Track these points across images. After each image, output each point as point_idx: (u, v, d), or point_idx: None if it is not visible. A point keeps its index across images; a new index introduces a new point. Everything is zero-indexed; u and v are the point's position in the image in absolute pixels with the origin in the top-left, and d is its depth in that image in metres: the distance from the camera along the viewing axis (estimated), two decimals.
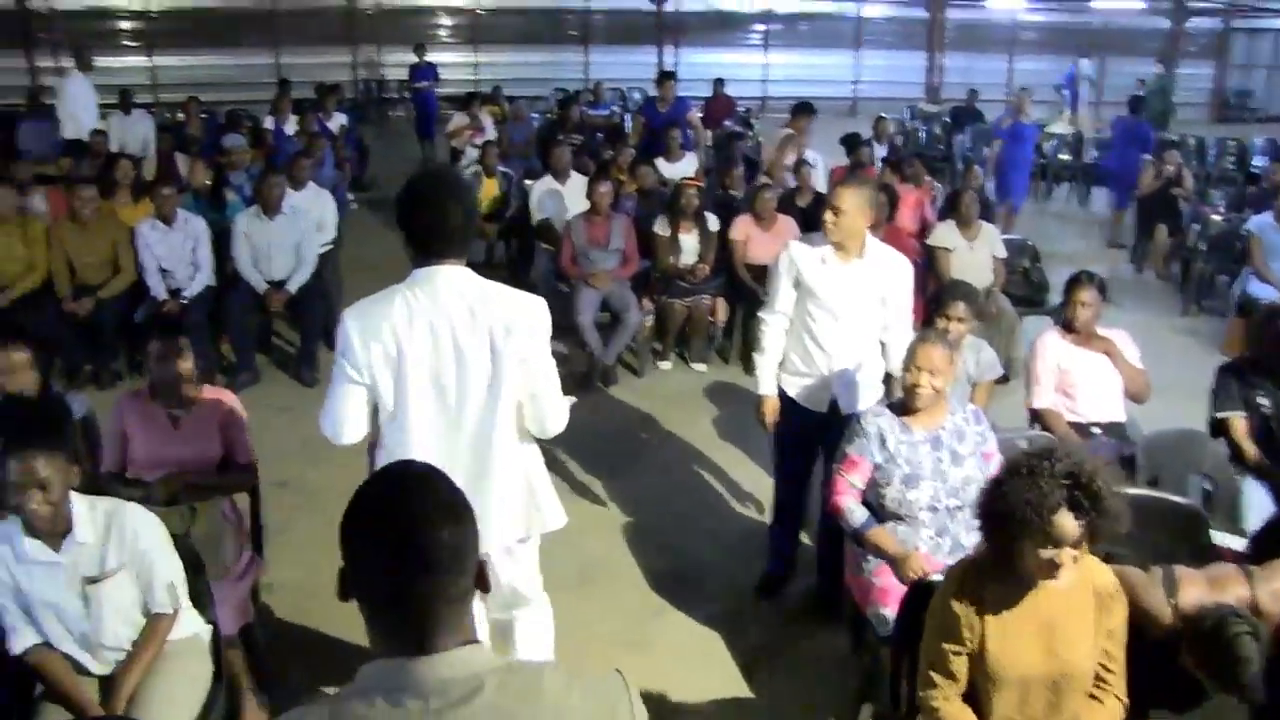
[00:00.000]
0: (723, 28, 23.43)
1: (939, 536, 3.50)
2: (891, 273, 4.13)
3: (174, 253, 6.86)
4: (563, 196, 8.08)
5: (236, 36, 19.50)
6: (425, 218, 2.70)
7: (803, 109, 9.43)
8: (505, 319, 2.71)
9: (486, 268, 9.25)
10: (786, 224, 7.44)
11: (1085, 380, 4.74)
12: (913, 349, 3.52)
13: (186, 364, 3.83)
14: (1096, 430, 4.71)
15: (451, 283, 2.71)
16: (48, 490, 2.73)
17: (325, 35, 19.71)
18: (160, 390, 3.86)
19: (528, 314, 2.77)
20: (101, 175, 7.86)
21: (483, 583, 1.50)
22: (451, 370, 2.71)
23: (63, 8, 18.78)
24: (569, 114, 12.73)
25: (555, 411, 2.87)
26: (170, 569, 3.01)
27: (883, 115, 11.70)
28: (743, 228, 7.40)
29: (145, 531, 2.96)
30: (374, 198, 12.76)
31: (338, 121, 12.29)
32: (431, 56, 15.81)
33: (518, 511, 2.93)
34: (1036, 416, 4.82)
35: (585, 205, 7.26)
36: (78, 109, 10.69)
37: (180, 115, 12.44)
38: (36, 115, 12.06)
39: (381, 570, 1.42)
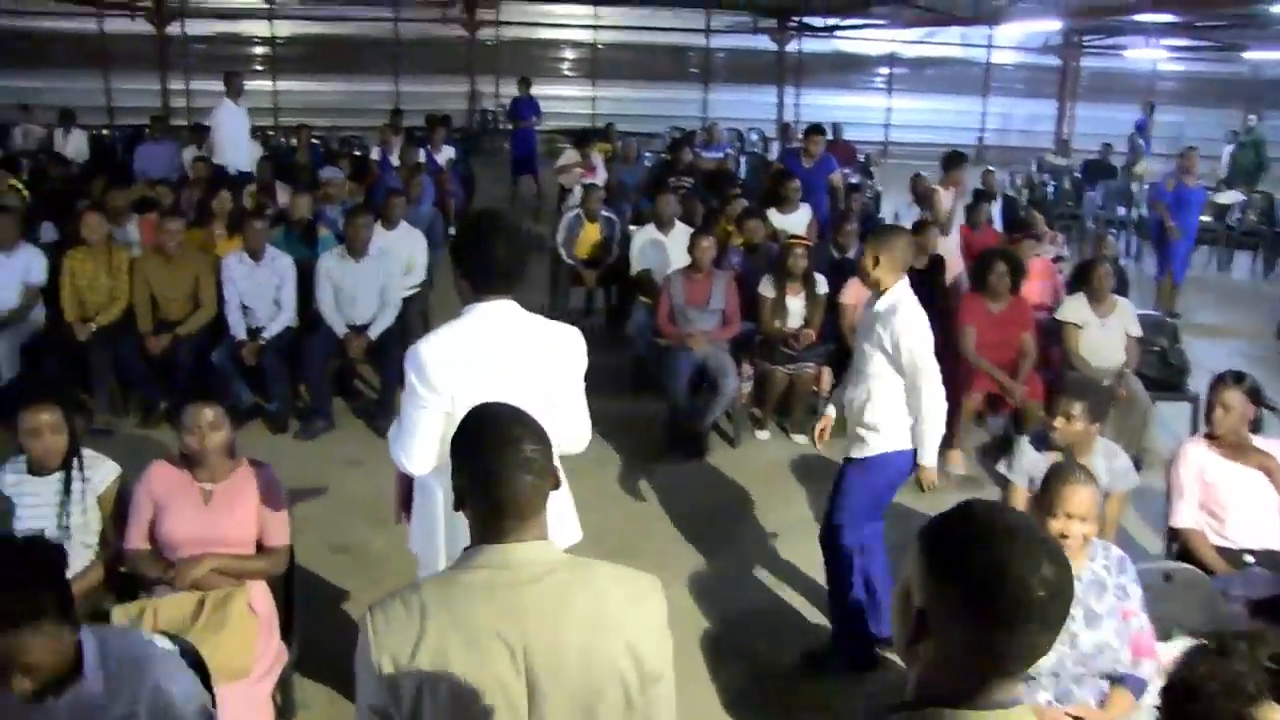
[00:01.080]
0: (845, 69, 22.85)
1: (1058, 702, 2.96)
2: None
3: (258, 290, 6.64)
4: (665, 248, 7.65)
5: (359, 64, 19.68)
6: (476, 257, 2.88)
7: (955, 159, 8.86)
8: (551, 349, 2.93)
9: (585, 316, 8.99)
10: None
11: (1236, 499, 4.10)
12: (1055, 491, 2.98)
13: (220, 434, 3.48)
14: (1250, 559, 4.05)
15: (503, 317, 2.89)
16: (33, 672, 2.12)
17: (445, 65, 19.77)
18: (192, 460, 3.52)
19: (569, 345, 2.98)
20: (200, 204, 7.72)
21: (555, 482, 1.92)
22: (503, 391, 2.67)
23: (194, 32, 19.22)
24: (679, 156, 12.25)
25: (581, 435, 3.07)
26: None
27: (990, 168, 11.02)
28: (855, 291, 6.87)
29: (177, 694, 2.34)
30: None
31: (446, 155, 12.11)
32: (550, 89, 15.66)
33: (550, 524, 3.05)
34: (1176, 536, 4.20)
35: (688, 259, 6.80)
36: (228, 137, 10.45)
37: (293, 141, 12.40)
38: (158, 138, 12.15)
39: (488, 472, 1.82)
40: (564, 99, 19.61)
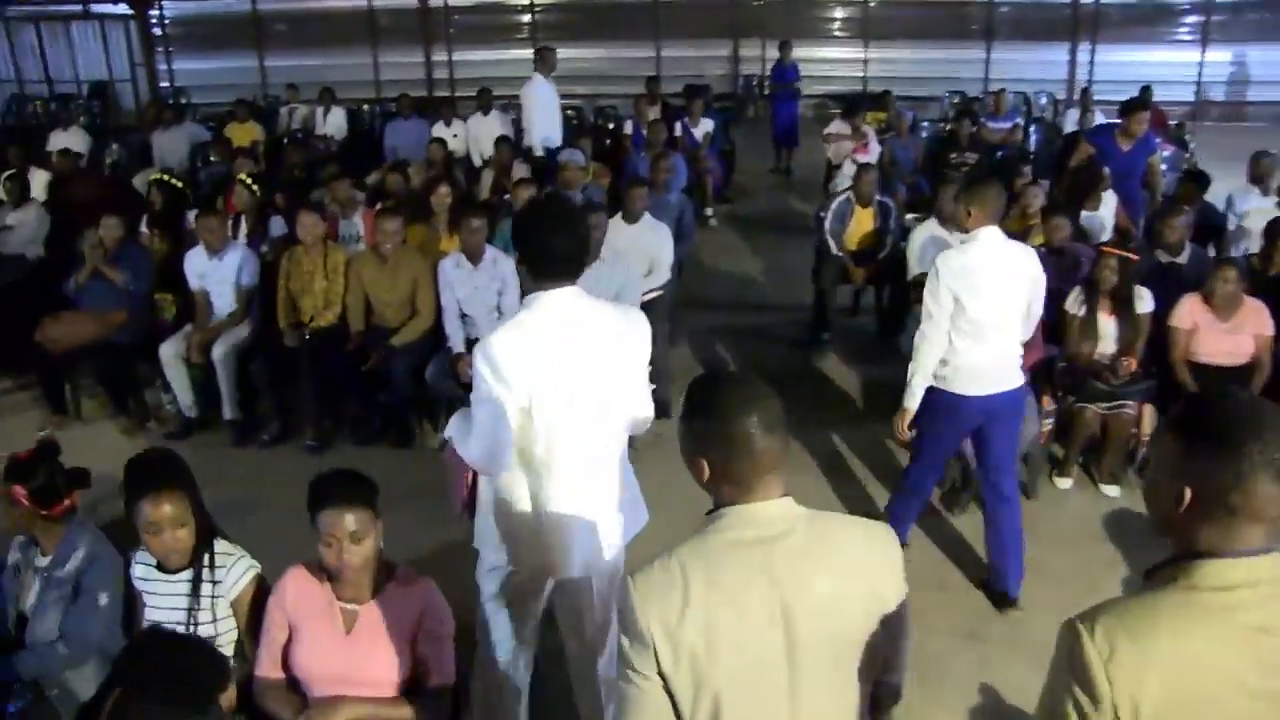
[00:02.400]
0: (1151, 20, 20.11)
1: None
2: None
3: (476, 296, 5.88)
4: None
5: (620, 28, 18.95)
6: (536, 245, 2.80)
7: None
8: (617, 335, 2.86)
9: (851, 316, 7.89)
10: (1254, 312, 5.42)
11: None
12: None
13: (365, 546, 2.65)
14: None
15: (568, 305, 2.80)
16: None
17: (707, 28, 18.69)
18: (331, 573, 2.72)
19: (634, 330, 2.92)
20: (422, 194, 7.11)
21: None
22: (577, 382, 2.79)
23: (456, 3, 19.06)
24: (960, 128, 10.66)
25: (647, 418, 3.03)
26: None
27: None
28: (1190, 312, 5.43)
29: None
30: (736, 211, 11.57)
31: (704, 128, 11.16)
32: (818, 52, 14.33)
33: (626, 511, 3.06)
34: None
35: None
36: (540, 114, 9.70)
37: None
38: (407, 114, 11.81)
39: (740, 435, 1.85)
40: (833, 61, 18.19)
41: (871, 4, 19.01)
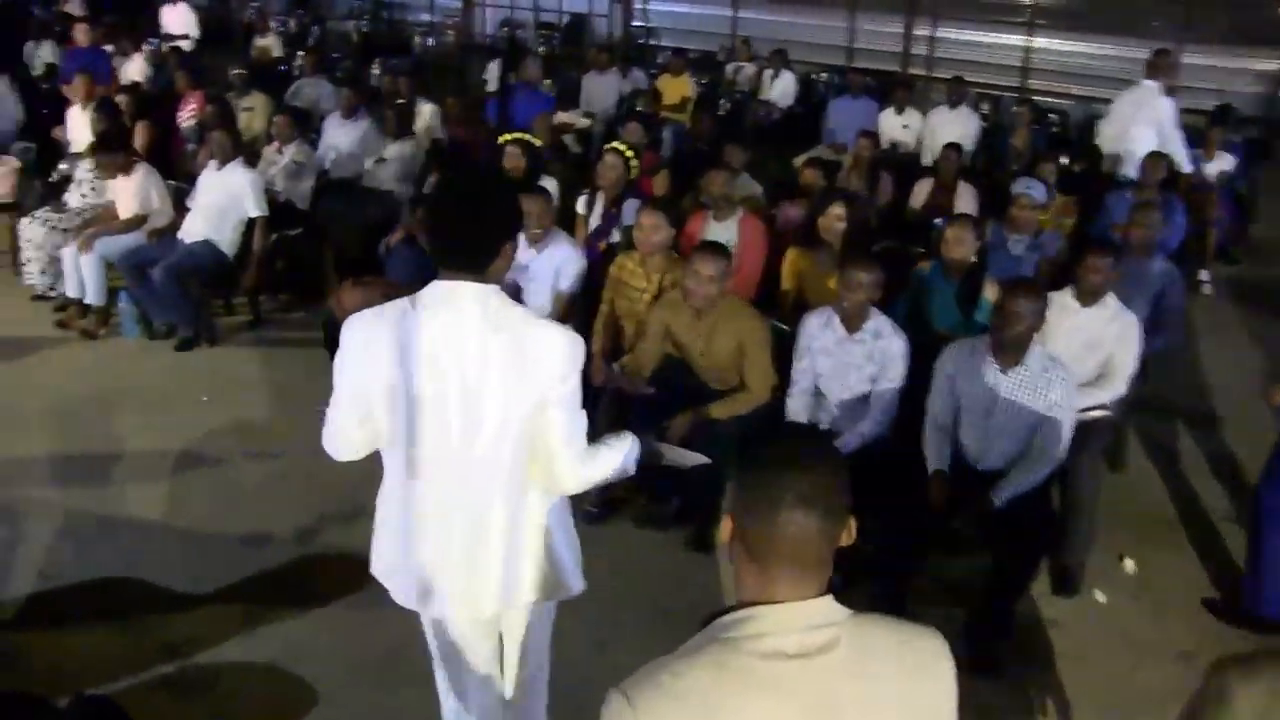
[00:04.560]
0: None
1: None
2: None
3: (839, 373, 4.23)
4: None
5: (1137, 22, 15.89)
6: (440, 223, 2.36)
7: None
8: (525, 353, 2.29)
9: None
10: None
11: None
12: None
13: None
14: None
15: (465, 304, 2.29)
16: None
17: (1244, 30, 15.14)
18: None
19: (554, 351, 2.31)
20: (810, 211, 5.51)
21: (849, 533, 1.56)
22: (454, 403, 2.33)
23: None
24: None
25: (569, 470, 2.43)
26: None
27: None
28: None
29: None
30: (1244, 276, 8.84)
31: (1220, 164, 8.58)
32: None
33: (532, 572, 2.57)
34: None
35: None
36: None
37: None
38: (857, 93, 10.17)
39: (766, 503, 1.50)
40: None
41: None
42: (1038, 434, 3.81)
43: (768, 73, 12.08)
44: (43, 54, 11.64)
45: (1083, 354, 4.40)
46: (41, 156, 8.22)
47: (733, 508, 1.58)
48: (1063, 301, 4.48)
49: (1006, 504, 3.76)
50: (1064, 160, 8.92)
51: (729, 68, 12.87)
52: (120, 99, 7.97)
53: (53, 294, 6.81)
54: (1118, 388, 4.44)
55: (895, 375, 4.12)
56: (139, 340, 6.51)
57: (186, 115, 8.65)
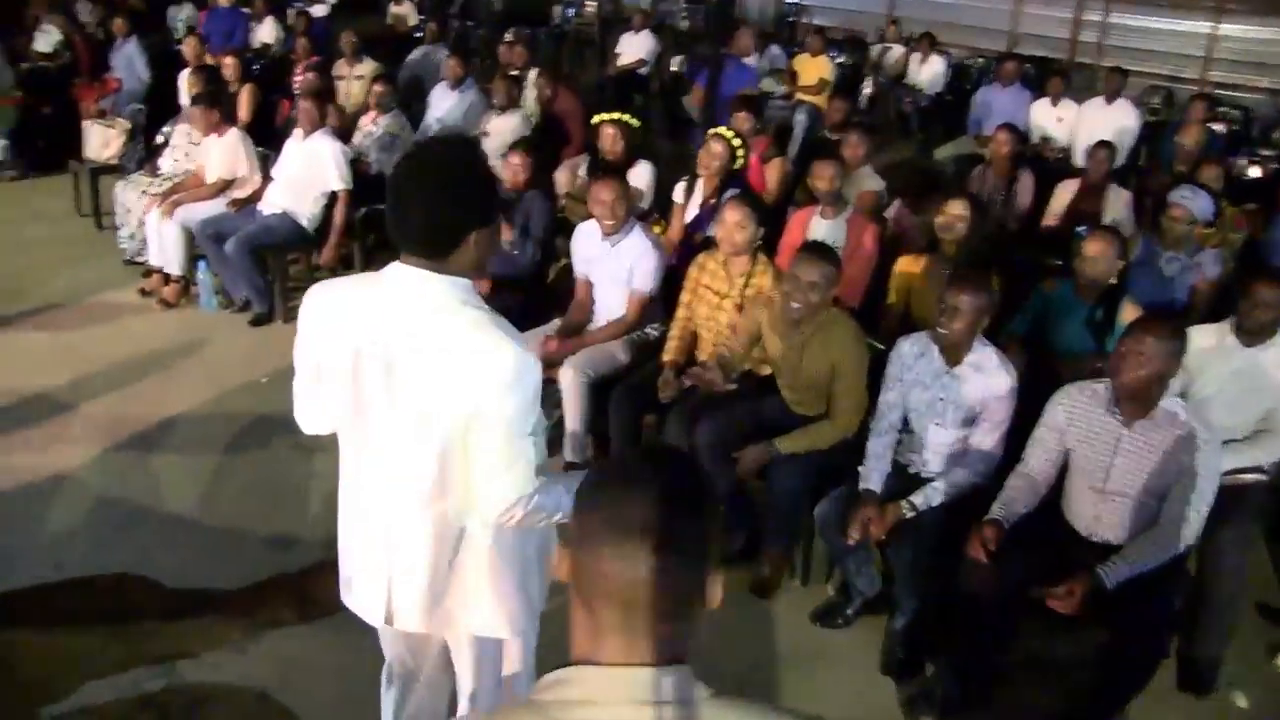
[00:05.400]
0: None
1: None
2: None
3: (931, 410, 3.59)
4: None
5: None
6: (391, 198, 2.04)
7: None
8: (462, 361, 2.00)
9: None
10: None
11: None
12: None
13: None
14: None
15: (411, 293, 2.05)
16: None
17: None
18: None
19: (493, 368, 1.99)
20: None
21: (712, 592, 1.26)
22: (382, 397, 2.10)
23: None
24: None
25: (491, 494, 2.09)
26: None
27: None
28: None
29: None
30: None
31: None
32: None
33: (465, 600, 2.26)
34: None
35: None
36: None
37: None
38: (1006, 81, 9.29)
39: (587, 521, 1.24)
40: None
41: None
42: (1167, 505, 3.13)
43: (915, 56, 11.26)
44: (184, 16, 11.71)
45: (1238, 403, 3.66)
46: (161, 120, 8.14)
47: (569, 534, 1.29)
48: (1219, 337, 3.75)
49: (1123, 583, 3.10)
50: (1242, 162, 7.98)
51: (874, 49, 12.08)
52: (228, 62, 7.78)
53: (141, 259, 6.64)
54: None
55: (999, 418, 3.47)
56: (216, 313, 6.29)
57: (299, 82, 8.43)
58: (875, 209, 5.64)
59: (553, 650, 1.77)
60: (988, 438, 3.49)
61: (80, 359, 5.56)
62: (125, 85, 8.92)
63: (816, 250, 3.80)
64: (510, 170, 5.17)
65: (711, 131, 5.43)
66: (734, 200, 4.32)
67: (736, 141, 5.39)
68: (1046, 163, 7.67)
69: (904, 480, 3.64)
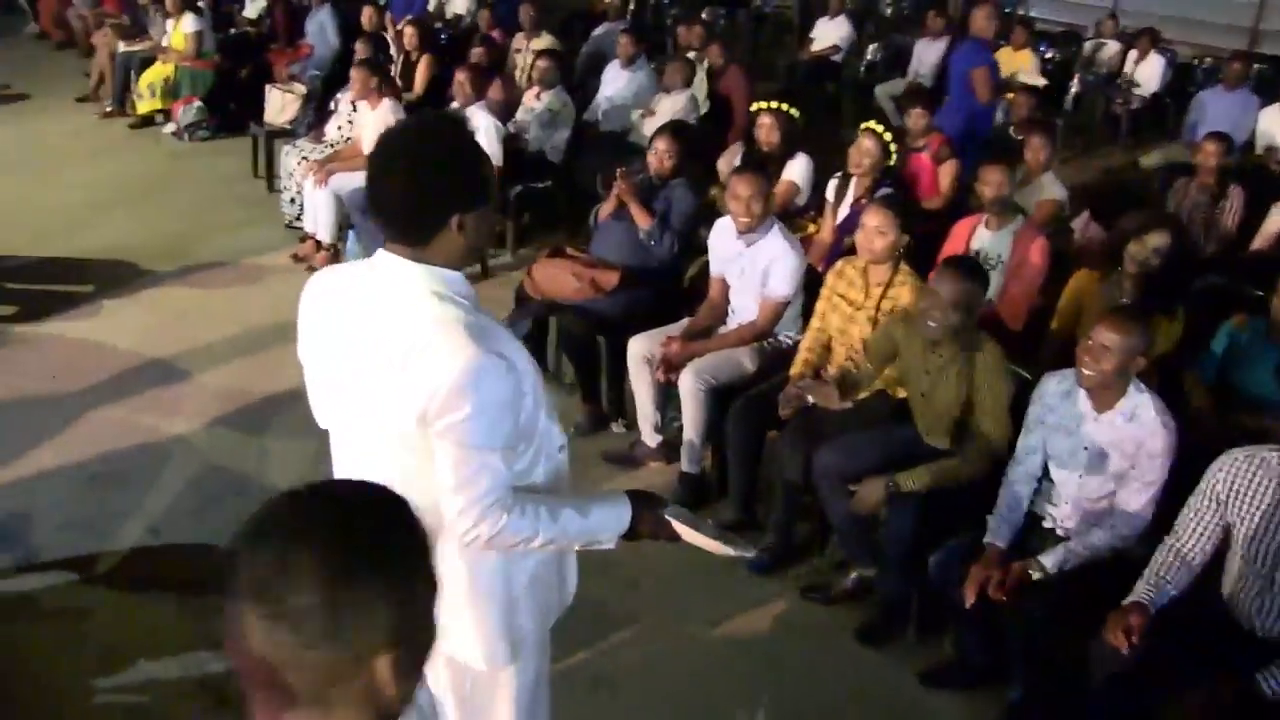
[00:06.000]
0: None
1: None
2: None
3: (1072, 460, 3.14)
4: None
5: None
6: (370, 178, 1.87)
7: None
8: (414, 362, 1.79)
9: None
10: None
11: None
12: None
13: None
14: None
15: (383, 279, 1.88)
16: None
17: None
18: None
19: (441, 373, 1.77)
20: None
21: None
22: (344, 395, 1.97)
23: None
24: None
25: (448, 512, 1.85)
26: None
27: None
28: None
29: None
30: None
31: None
32: None
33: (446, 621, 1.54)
34: None
35: None
36: None
37: None
38: (1233, 84, 8.38)
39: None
40: None
41: None
42: None
43: (1133, 52, 10.34)
44: None
45: None
46: (340, 87, 8.25)
47: None
48: None
49: None
50: None
51: (1088, 44, 11.16)
52: (407, 31, 7.79)
53: (299, 224, 6.72)
54: None
55: (1151, 477, 2.98)
56: None
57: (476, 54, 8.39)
58: (1055, 222, 5.11)
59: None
60: (1136, 498, 3.01)
61: (220, 321, 5.64)
62: (316, 51, 9.10)
63: (960, 266, 3.39)
64: (655, 156, 4.91)
65: (863, 126, 5.01)
66: (876, 203, 3.93)
67: (888, 136, 4.96)
68: (1268, 176, 6.84)
69: (1036, 535, 3.20)
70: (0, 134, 9.13)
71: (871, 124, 4.97)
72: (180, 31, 8.86)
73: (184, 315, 5.68)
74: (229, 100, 9.06)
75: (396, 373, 1.82)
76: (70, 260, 6.35)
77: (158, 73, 9.03)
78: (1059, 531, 3.19)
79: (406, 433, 1.85)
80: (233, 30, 10.12)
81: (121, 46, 9.52)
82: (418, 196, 1.82)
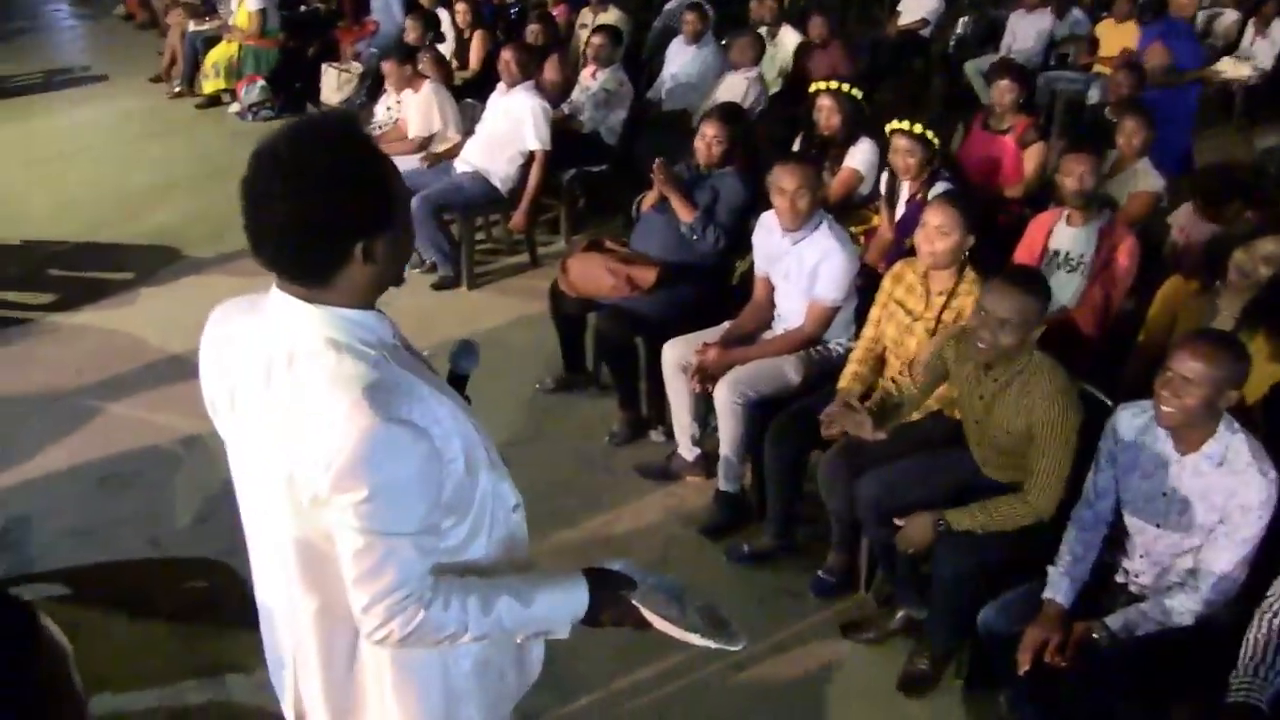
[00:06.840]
0: None
1: None
2: None
3: (1149, 507, 2.69)
4: None
5: None
6: (244, 205, 1.48)
7: None
8: (298, 421, 1.48)
9: None
10: None
11: None
12: None
13: None
14: None
15: (274, 324, 1.56)
16: None
17: None
18: None
19: (329, 433, 1.44)
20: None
21: None
22: (238, 459, 1.70)
23: None
24: None
25: (353, 605, 1.54)
26: None
27: None
28: None
29: None
30: None
31: None
32: None
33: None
34: None
35: None
36: None
37: None
38: None
39: None
40: None
41: None
42: None
43: (1253, 23, 9.55)
44: None
45: None
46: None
47: None
48: None
49: None
50: None
51: (1201, 14, 10.36)
52: (460, 8, 7.51)
53: None
54: None
55: (1243, 535, 2.51)
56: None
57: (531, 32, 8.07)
58: (1150, 215, 4.59)
59: None
60: (1224, 555, 2.54)
61: None
62: (382, 28, 8.90)
63: (1017, 278, 2.94)
64: (703, 142, 4.51)
65: (889, 128, 4.44)
66: (939, 200, 3.49)
67: (919, 129, 4.36)
68: None
69: (1104, 591, 2.76)
70: (74, 116, 9.15)
71: (895, 123, 4.42)
72: (244, 9, 8.73)
73: (213, 306, 5.49)
74: (294, 79, 8.90)
75: (283, 444, 1.51)
76: (115, 246, 6.23)
77: (223, 52, 8.94)
78: (1132, 588, 2.75)
79: (301, 510, 1.54)
80: (302, 7, 9.97)
81: (191, 26, 9.44)
82: (306, 225, 1.45)
